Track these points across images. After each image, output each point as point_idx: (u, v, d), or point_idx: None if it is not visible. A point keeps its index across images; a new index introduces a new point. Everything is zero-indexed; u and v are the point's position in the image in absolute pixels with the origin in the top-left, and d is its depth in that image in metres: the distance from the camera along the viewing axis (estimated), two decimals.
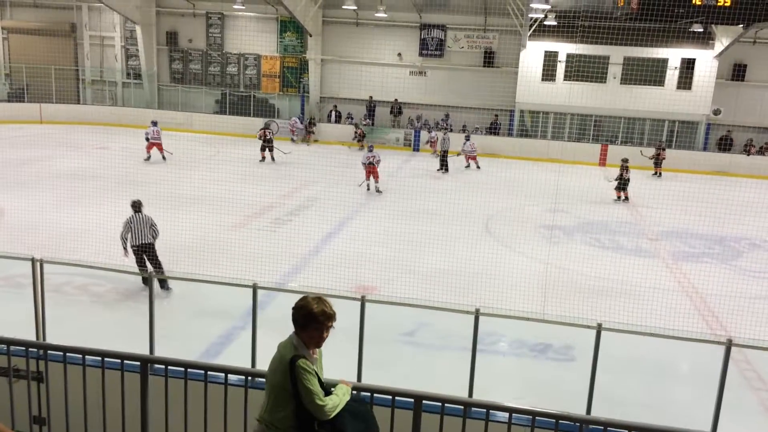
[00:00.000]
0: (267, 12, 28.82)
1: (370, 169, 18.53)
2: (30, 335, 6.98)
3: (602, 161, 25.99)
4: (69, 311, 9.26)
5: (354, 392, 3.68)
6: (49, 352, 4.37)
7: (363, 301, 6.18)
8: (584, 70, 26.13)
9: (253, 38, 29.23)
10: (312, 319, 3.44)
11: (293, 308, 3.50)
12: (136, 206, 11.07)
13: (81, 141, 22.55)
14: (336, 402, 3.46)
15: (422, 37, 28.23)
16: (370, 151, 18.77)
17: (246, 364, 6.22)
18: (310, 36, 28.15)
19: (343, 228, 14.88)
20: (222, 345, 8.72)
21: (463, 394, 6.14)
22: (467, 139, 23.86)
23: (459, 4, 27.00)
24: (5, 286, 9.63)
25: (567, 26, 25.34)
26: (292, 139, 27.19)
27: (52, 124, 27.05)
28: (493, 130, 27.94)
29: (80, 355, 3.87)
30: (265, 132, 22.57)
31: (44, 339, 6.51)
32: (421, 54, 28.39)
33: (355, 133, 26.86)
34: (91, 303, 10.01)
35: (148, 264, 10.52)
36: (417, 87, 28.72)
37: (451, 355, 8.89)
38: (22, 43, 30.44)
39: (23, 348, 4.17)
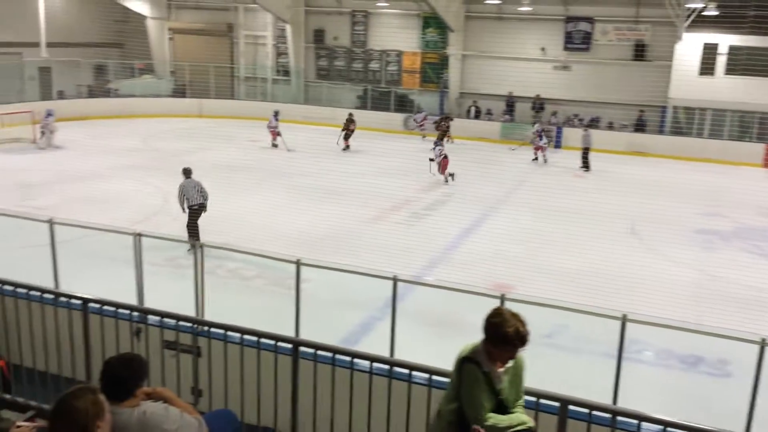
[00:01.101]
0: (410, 9, 29.13)
1: (446, 161, 18.90)
2: (187, 313, 7.55)
3: (767, 162, 23.81)
4: (220, 293, 9.90)
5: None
6: (205, 328, 4.72)
7: (502, 299, 6.09)
8: (749, 64, 24.00)
9: (395, 35, 29.69)
10: (506, 341, 3.24)
11: (487, 320, 3.31)
12: (188, 172, 12.76)
13: (234, 134, 24.03)
14: (499, 422, 3.23)
15: (567, 30, 27.26)
16: (439, 145, 19.50)
17: (385, 355, 6.33)
18: (452, 31, 28.10)
19: (480, 224, 14.76)
20: (361, 334, 8.96)
21: (606, 402, 5.88)
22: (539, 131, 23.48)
23: None
24: (168, 266, 10.46)
25: (731, 16, 23.40)
26: (423, 136, 26.90)
27: (209, 118, 29.03)
28: (639, 126, 26.45)
29: (238, 334, 4.12)
30: (349, 123, 23.50)
31: (202, 317, 6.99)
32: (565, 48, 27.44)
33: (440, 123, 25.31)
34: (241, 286, 10.66)
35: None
36: (560, 82, 27.81)
37: (590, 360, 8.57)
38: (185, 42, 32.95)
39: (189, 324, 4.53)
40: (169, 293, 8.65)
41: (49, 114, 21.65)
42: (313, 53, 31.64)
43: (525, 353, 7.85)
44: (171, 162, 19.75)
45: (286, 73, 31.74)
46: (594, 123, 26.77)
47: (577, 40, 27.22)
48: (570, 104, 27.60)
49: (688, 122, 26.12)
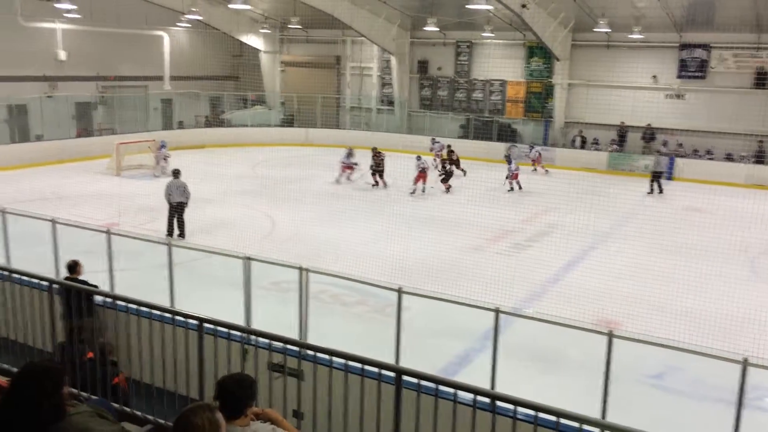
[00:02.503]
0: (515, 38, 29.00)
1: (421, 174, 20.61)
2: (290, 336, 7.76)
3: None
4: (323, 318, 10.10)
5: None
6: (310, 352, 4.82)
7: (610, 335, 5.86)
8: None
9: (499, 64, 29.62)
10: None
11: None
12: (176, 173, 15.12)
13: (338, 162, 24.62)
14: None
15: (682, 57, 26.19)
16: (419, 159, 21.04)
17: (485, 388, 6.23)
18: (558, 60, 27.71)
19: (585, 257, 14.31)
20: (459, 365, 8.87)
21: None
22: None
23: (727, 22, 24.54)
24: (273, 290, 10.83)
25: None
26: (534, 169, 26.36)
27: (315, 146, 29.98)
28: (759, 158, 24.81)
29: (343, 360, 4.19)
30: (377, 158, 21.90)
31: (306, 340, 7.18)
32: (679, 76, 26.33)
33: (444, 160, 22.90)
34: (343, 312, 10.84)
35: (176, 225, 14.56)
36: (673, 111, 26.66)
37: (704, 405, 8.06)
38: (295, 74, 34.38)
39: (295, 348, 4.66)
40: (274, 316, 8.95)
41: (162, 145, 23.19)
42: (417, 83, 32.09)
43: (631, 392, 7.50)
44: (278, 189, 20.54)
45: (390, 103, 32.35)
46: (708, 154, 25.50)
47: (692, 68, 26.08)
48: (684, 134, 26.40)
49: None
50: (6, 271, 6.45)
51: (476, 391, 3.79)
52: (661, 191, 22.31)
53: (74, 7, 23.02)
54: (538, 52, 28.88)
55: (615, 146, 27.17)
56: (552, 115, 28.92)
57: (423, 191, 20.67)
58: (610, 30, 25.05)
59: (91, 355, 5.43)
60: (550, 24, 25.74)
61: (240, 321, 7.65)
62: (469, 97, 31.03)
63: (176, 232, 14.64)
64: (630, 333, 8.10)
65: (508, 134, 29.18)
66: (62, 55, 26.20)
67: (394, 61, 31.14)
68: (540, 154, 26.31)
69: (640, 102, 26.82)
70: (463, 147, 28.33)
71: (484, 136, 29.15)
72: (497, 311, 6.26)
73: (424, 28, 27.46)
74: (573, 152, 27.44)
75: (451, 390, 3.84)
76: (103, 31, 26.87)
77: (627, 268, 13.00)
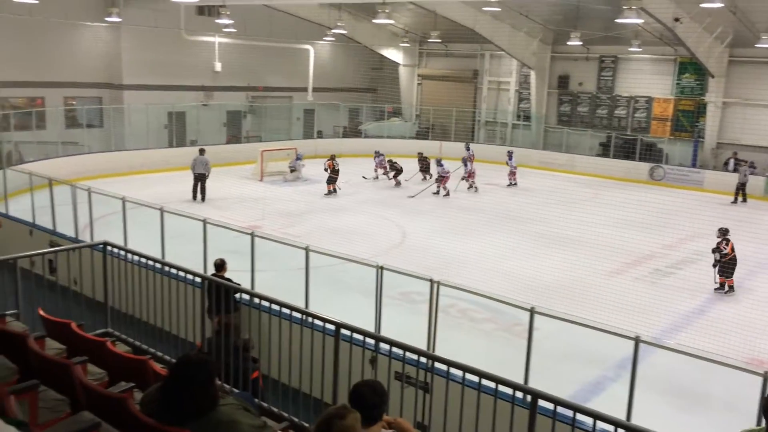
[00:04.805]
0: (664, 53, 27.53)
1: (445, 179, 22.06)
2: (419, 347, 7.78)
3: None
4: (451, 332, 10.07)
5: None
6: (439, 366, 4.82)
7: (766, 377, 5.37)
8: None
9: (646, 80, 28.25)
10: None
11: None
12: (202, 151, 19.38)
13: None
14: None
15: None
16: (441, 165, 22.31)
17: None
18: (712, 77, 25.93)
19: (736, 289, 13.24)
20: (591, 393, 8.50)
21: None
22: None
23: None
24: (402, 300, 10.95)
25: None
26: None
27: (448, 159, 29.98)
28: None
29: (477, 377, 4.16)
30: (332, 163, 21.71)
31: (434, 353, 7.18)
32: None
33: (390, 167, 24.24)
34: (470, 328, 10.75)
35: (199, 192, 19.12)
36: None
37: None
38: (432, 87, 34.70)
39: (423, 360, 4.67)
40: (402, 326, 9.04)
41: (298, 157, 24.26)
42: (556, 99, 31.29)
43: None
44: (409, 203, 20.79)
45: (527, 118, 31.77)
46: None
47: None
48: None
49: None
50: (162, 264, 6.97)
51: (616, 423, 3.61)
52: (744, 200, 23.28)
53: (231, 21, 24.67)
54: (690, 67, 27.23)
55: (750, 168, 24.80)
56: (702, 135, 27.09)
57: (447, 194, 21.98)
58: None
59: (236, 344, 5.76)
60: (705, 39, 24.18)
61: (368, 329, 7.80)
62: (611, 113, 29.80)
63: (199, 196, 18.86)
64: None
65: (652, 154, 27.70)
66: (218, 66, 28.17)
67: (533, 75, 30.59)
68: (474, 155, 25.38)
69: None
70: (602, 165, 27.32)
71: (626, 154, 27.86)
72: (637, 340, 5.95)
73: (567, 43, 26.74)
74: (725, 175, 25.47)
75: (589, 419, 3.69)
76: (255, 45, 28.59)
77: None
